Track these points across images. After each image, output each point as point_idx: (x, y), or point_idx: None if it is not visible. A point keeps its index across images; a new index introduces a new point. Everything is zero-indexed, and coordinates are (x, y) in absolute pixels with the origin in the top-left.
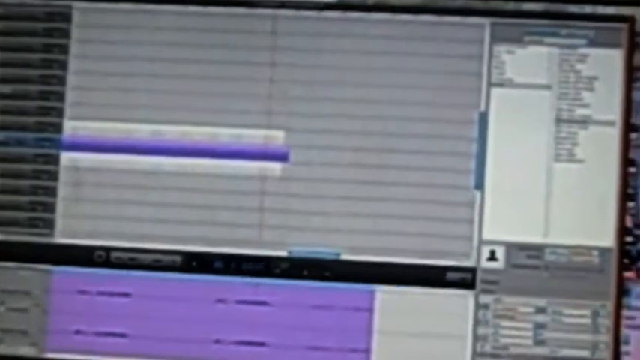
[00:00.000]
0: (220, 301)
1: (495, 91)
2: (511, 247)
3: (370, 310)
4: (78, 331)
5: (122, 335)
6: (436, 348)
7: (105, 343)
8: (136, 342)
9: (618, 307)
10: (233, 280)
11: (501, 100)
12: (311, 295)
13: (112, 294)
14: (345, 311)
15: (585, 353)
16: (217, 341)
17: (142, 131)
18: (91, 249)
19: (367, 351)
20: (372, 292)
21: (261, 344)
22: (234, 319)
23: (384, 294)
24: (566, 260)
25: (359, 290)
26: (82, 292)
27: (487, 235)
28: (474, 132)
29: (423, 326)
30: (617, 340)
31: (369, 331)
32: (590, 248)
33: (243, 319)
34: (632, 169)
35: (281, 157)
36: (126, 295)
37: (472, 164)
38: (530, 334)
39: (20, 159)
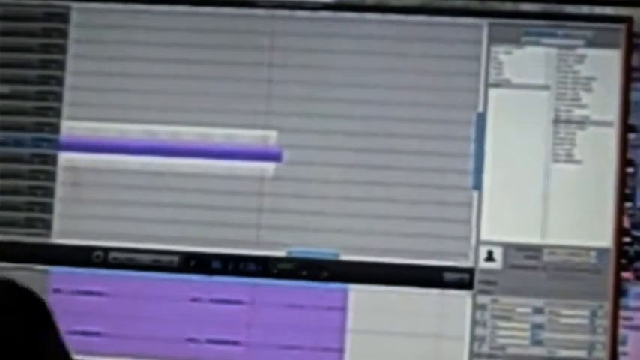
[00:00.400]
0: (194, 300)
1: (493, 92)
2: (509, 248)
3: (344, 309)
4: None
5: (97, 334)
6: (434, 348)
7: (80, 342)
8: (112, 341)
9: (616, 307)
10: (207, 279)
11: (499, 100)
12: (285, 295)
13: (89, 293)
14: (320, 310)
15: (582, 353)
16: (191, 340)
17: (139, 132)
18: (89, 249)
19: (341, 350)
20: (344, 291)
21: (235, 343)
22: (208, 317)
23: (373, 294)
24: (564, 261)
25: (332, 289)
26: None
27: (485, 235)
28: (472, 133)
29: (420, 327)
30: (614, 341)
31: (342, 331)
32: (587, 249)
33: (217, 318)
34: (630, 170)
35: (276, 156)
36: (100, 294)
37: (470, 165)
38: (527, 334)
39: (18, 159)
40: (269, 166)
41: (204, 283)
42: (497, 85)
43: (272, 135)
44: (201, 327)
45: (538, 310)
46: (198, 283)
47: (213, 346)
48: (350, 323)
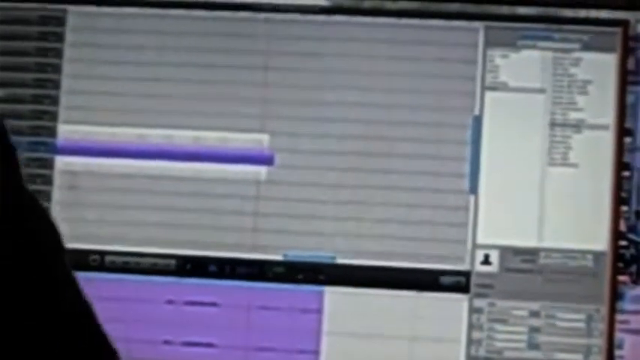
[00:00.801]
0: (169, 302)
1: (489, 95)
2: (505, 251)
3: (319, 311)
4: None
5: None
6: (430, 352)
7: None
8: None
9: (612, 311)
10: (182, 281)
11: (495, 104)
12: (260, 297)
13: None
14: (294, 313)
15: (579, 357)
16: (166, 342)
17: (136, 135)
18: (86, 253)
19: (316, 352)
20: (321, 294)
21: (210, 345)
22: (183, 320)
23: (366, 297)
24: (561, 264)
25: (308, 292)
26: None
27: (481, 239)
28: (468, 136)
29: (417, 330)
30: (611, 344)
31: (318, 333)
32: (584, 252)
33: (192, 320)
34: (626, 173)
35: (271, 160)
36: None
37: (466, 168)
38: (524, 338)
39: None
40: (263, 170)
41: (179, 285)
42: (493, 88)
43: (267, 138)
44: (176, 329)
45: (534, 314)
46: (173, 285)
47: (187, 348)
48: (338, 327)
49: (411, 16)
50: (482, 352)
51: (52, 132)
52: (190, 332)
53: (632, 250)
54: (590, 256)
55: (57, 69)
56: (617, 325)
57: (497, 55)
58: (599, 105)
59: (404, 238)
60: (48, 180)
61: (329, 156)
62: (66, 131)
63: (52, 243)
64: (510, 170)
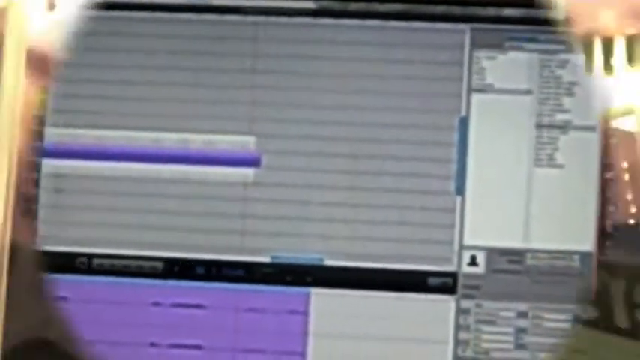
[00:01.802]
0: (156, 304)
1: (476, 97)
2: (492, 252)
3: (305, 312)
4: None
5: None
6: (418, 353)
7: None
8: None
9: None
10: (169, 283)
11: (482, 105)
12: (247, 298)
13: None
14: (281, 314)
15: None
16: (153, 344)
17: (123, 138)
18: (73, 256)
19: (303, 354)
20: (307, 295)
21: (197, 347)
22: (170, 322)
23: (357, 299)
24: (547, 265)
25: (294, 293)
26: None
27: (468, 240)
28: (455, 137)
29: (404, 331)
30: None
31: (305, 334)
32: (570, 253)
33: (179, 322)
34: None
35: (258, 162)
36: (64, 299)
37: (453, 170)
38: (511, 338)
39: None
40: (250, 172)
41: (166, 288)
42: (480, 90)
43: (254, 140)
44: (162, 331)
45: (521, 315)
46: (160, 288)
47: (174, 350)
48: (324, 328)
49: (397, 18)
50: (469, 353)
51: (39, 135)
52: (177, 334)
53: None
54: (576, 257)
55: None
56: None
57: (483, 57)
58: (585, 106)
59: (391, 240)
60: (35, 183)
61: (316, 158)
62: (53, 134)
63: None
64: (497, 171)
